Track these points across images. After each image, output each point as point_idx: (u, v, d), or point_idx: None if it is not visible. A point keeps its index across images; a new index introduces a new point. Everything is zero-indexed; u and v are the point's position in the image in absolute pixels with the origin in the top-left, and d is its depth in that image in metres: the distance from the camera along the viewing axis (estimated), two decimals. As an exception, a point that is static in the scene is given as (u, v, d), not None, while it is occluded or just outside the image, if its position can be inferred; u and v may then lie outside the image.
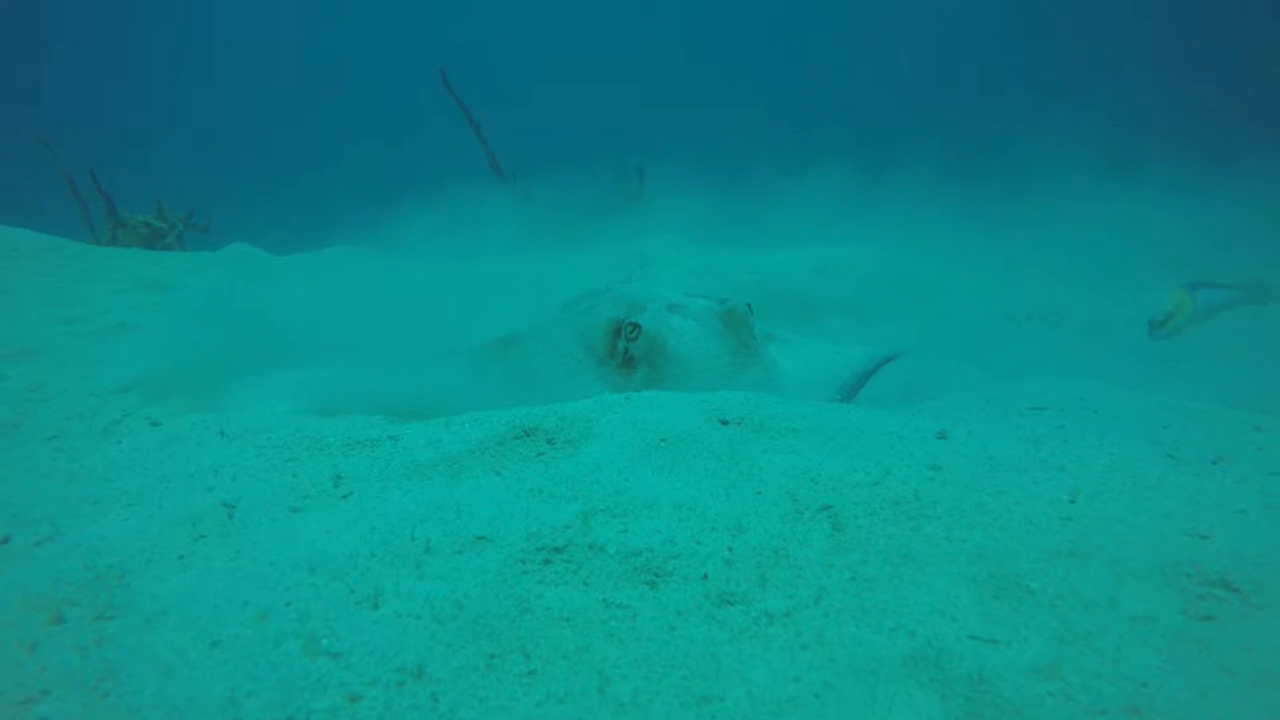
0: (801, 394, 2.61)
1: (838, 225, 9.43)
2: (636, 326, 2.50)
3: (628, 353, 2.52)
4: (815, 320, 5.59)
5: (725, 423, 1.85)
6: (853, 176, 10.06)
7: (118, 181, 12.42)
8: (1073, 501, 1.61)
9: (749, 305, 2.60)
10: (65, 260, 8.34)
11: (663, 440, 1.75)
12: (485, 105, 12.49)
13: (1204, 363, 4.45)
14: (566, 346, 2.73)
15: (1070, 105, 10.75)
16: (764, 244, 9.00)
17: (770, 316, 5.53)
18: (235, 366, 4.70)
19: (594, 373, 2.61)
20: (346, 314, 5.48)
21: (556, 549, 1.34)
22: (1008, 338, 5.33)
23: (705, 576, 1.31)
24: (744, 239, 9.66)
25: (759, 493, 1.62)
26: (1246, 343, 4.92)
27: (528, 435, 1.81)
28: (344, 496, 1.59)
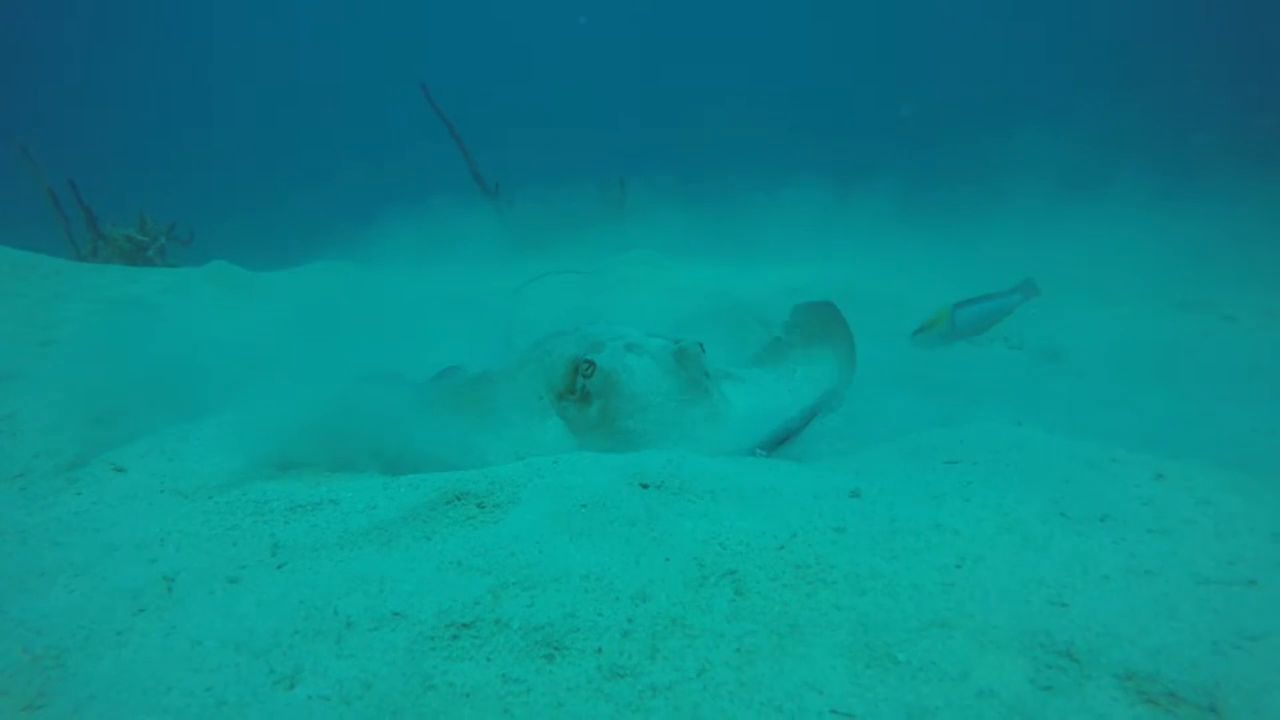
0: (747, 429, 2.73)
1: (812, 240, 9.59)
2: (592, 364, 2.63)
3: (584, 389, 2.65)
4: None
5: (646, 486, 1.97)
6: (828, 192, 10.23)
7: (100, 193, 12.45)
8: (958, 566, 1.73)
9: (700, 345, 2.74)
10: (43, 278, 8.39)
11: (583, 506, 1.87)
12: (468, 120, 12.61)
13: (1150, 390, 4.60)
14: (531, 386, 2.86)
15: (1039, 125, 10.95)
16: (741, 257, 9.15)
17: (740, 340, 5.65)
18: (209, 397, 4.78)
19: (553, 408, 2.73)
20: (322, 337, 5.57)
21: (465, 625, 1.46)
22: (967, 362, 5.47)
23: (600, 650, 1.43)
24: (722, 251, 9.81)
25: (667, 559, 1.74)
26: (1192, 364, 5.09)
27: (459, 500, 1.93)
28: (279, 567, 1.70)
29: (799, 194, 10.27)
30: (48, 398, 5.28)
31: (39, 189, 11.95)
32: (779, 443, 2.72)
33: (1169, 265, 8.14)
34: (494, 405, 2.88)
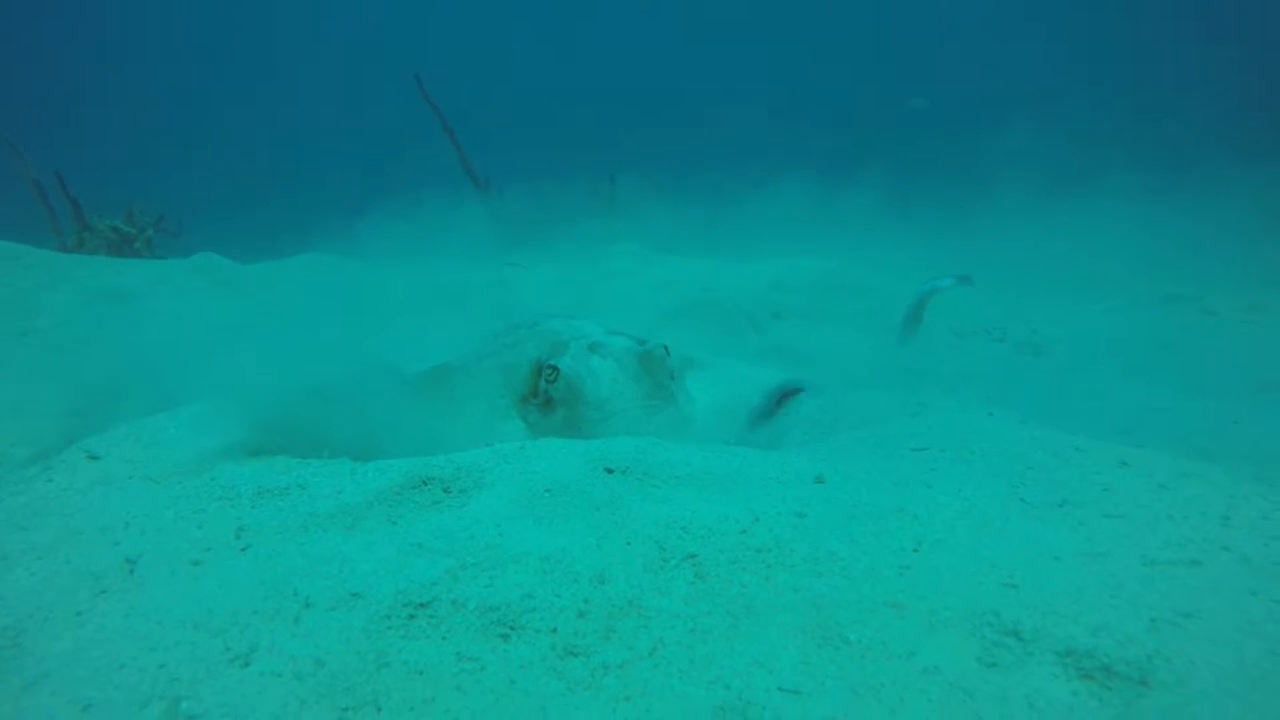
0: (713, 424, 2.75)
1: (800, 233, 9.62)
2: (555, 369, 2.63)
3: (548, 394, 2.65)
4: (764, 336, 5.75)
5: (611, 471, 1.99)
6: (817, 186, 10.26)
7: (90, 185, 12.37)
8: (915, 550, 1.76)
9: (665, 348, 2.74)
10: (26, 269, 8.34)
11: (547, 490, 1.89)
12: (461, 115, 12.58)
13: (1128, 383, 4.64)
14: (491, 382, 2.85)
15: (1028, 119, 11.00)
16: (729, 251, 9.16)
17: (723, 332, 5.67)
18: (187, 386, 4.78)
19: (515, 410, 2.73)
20: (306, 327, 5.55)
21: (421, 605, 1.47)
22: (947, 354, 5.51)
23: (555, 630, 1.45)
24: (710, 245, 9.83)
25: (628, 543, 1.76)
26: (1171, 357, 5.15)
27: (425, 484, 1.94)
28: (243, 549, 1.71)
29: (787, 189, 10.30)
30: (27, 389, 5.28)
31: (24, 180, 11.86)
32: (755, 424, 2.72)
33: (1154, 258, 8.21)
34: (454, 399, 2.87)
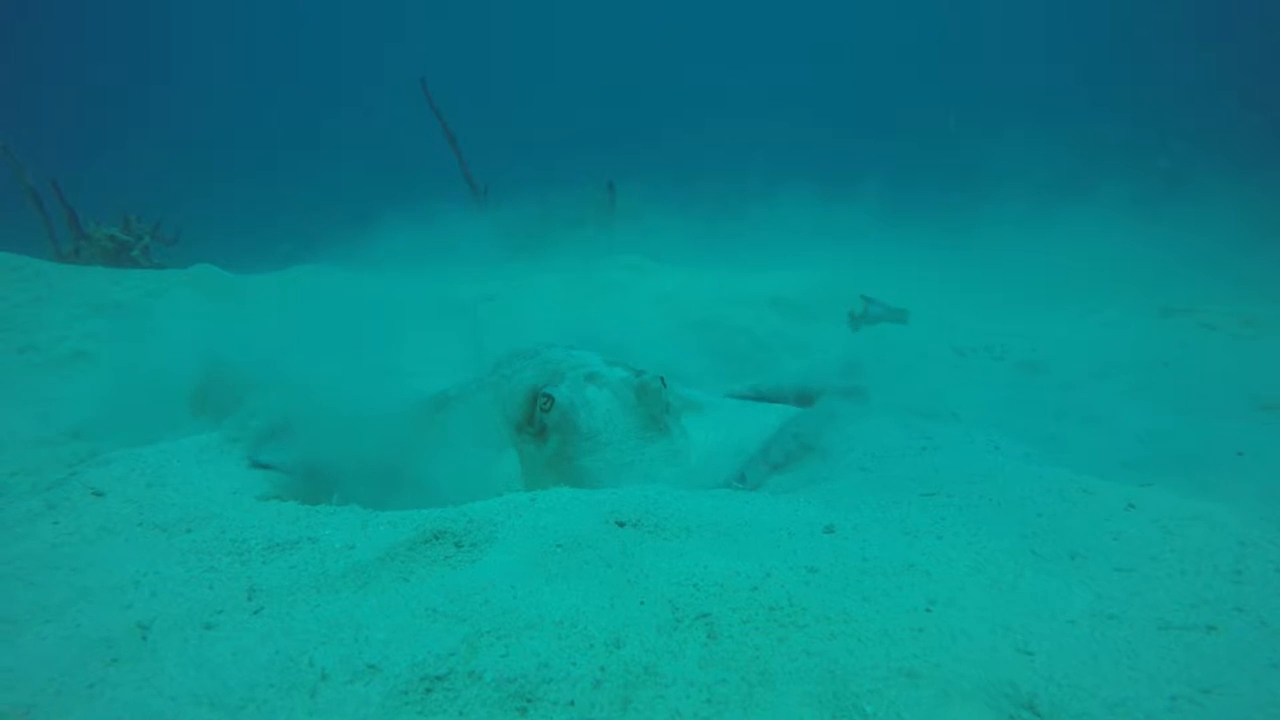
0: (708, 466, 2.73)
1: (802, 244, 9.62)
2: (550, 398, 2.63)
3: (542, 423, 2.65)
4: (764, 353, 5.75)
5: (621, 524, 1.99)
6: (818, 197, 10.26)
7: (91, 194, 12.33)
8: (928, 610, 1.76)
9: (661, 380, 2.74)
10: (23, 281, 8.31)
11: (559, 546, 1.89)
12: (467, 124, 12.57)
13: (1129, 404, 4.65)
14: (488, 414, 2.85)
15: (1027, 130, 11.04)
16: (730, 262, 9.16)
17: (723, 353, 5.66)
18: (189, 408, 4.75)
19: (510, 440, 2.73)
20: (306, 345, 5.52)
21: (438, 677, 1.47)
22: (951, 375, 5.51)
23: (572, 702, 1.45)
24: (712, 256, 9.82)
25: (642, 602, 1.75)
26: (1171, 376, 5.16)
27: (437, 539, 1.94)
28: (255, 612, 1.70)
29: (789, 199, 10.29)
30: (26, 409, 5.25)
31: (21, 188, 11.81)
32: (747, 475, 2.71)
33: (1151, 269, 8.23)
34: (450, 432, 2.84)
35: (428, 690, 1.45)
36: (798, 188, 10.28)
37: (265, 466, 3.06)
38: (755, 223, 10.28)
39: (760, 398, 4.12)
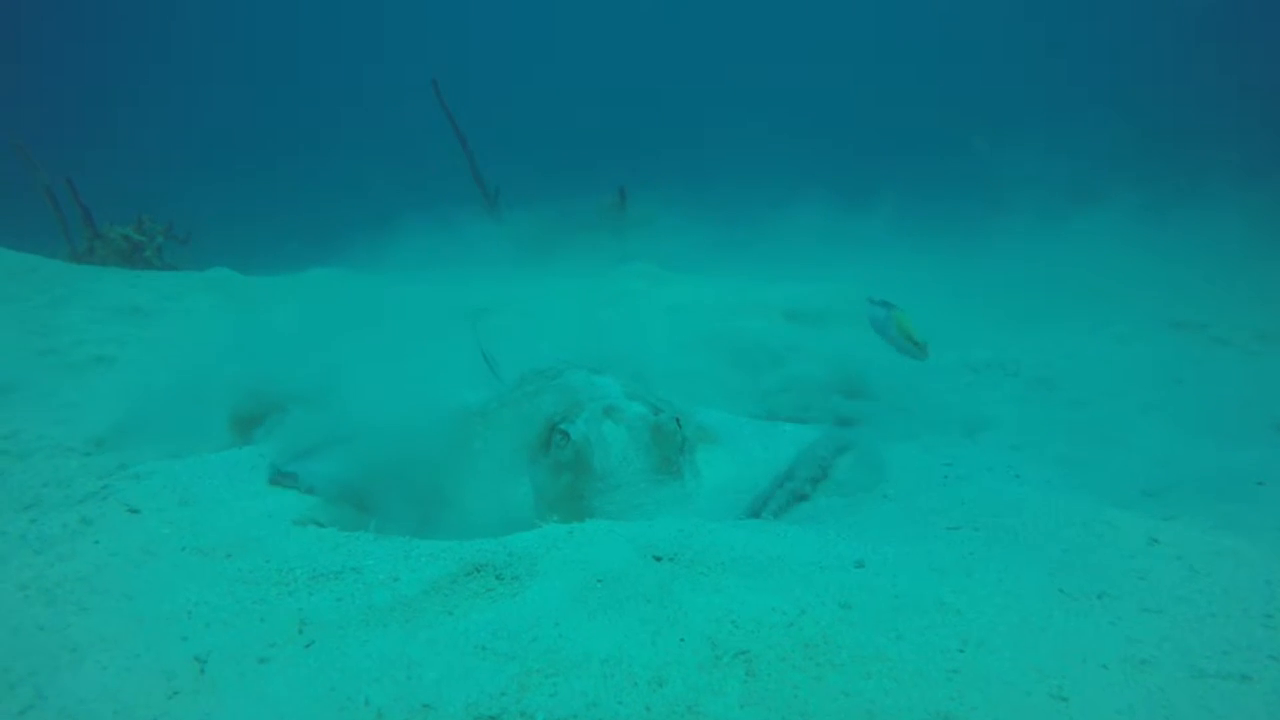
0: (716, 508, 2.74)
1: (816, 253, 9.63)
2: (566, 435, 2.66)
3: (556, 458, 2.68)
4: (779, 367, 5.78)
5: (659, 559, 2.03)
6: (833, 205, 10.27)
7: (111, 194, 12.43)
8: (961, 650, 1.80)
9: (677, 420, 2.77)
10: (43, 283, 8.37)
11: (599, 581, 1.93)
12: (477, 123, 12.63)
13: (1144, 424, 4.66)
14: (507, 435, 2.89)
15: (1040, 138, 11.03)
16: (743, 271, 9.18)
17: (738, 367, 5.68)
18: (212, 417, 4.78)
19: (525, 468, 2.77)
20: (328, 354, 5.54)
21: (492, 718, 1.52)
22: (963, 395, 5.52)
23: (622, 745, 1.49)
24: (725, 264, 9.85)
25: (682, 639, 1.80)
26: (1184, 395, 5.18)
27: (478, 571, 1.99)
28: (307, 646, 1.75)
29: (803, 207, 10.31)
30: (48, 413, 5.31)
31: (37, 188, 11.90)
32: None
33: (1163, 280, 8.22)
34: (470, 452, 2.87)
35: (482, 730, 1.49)
36: (813, 198, 10.29)
37: (293, 480, 3.09)
38: (768, 231, 10.30)
39: (775, 417, 4.15)
